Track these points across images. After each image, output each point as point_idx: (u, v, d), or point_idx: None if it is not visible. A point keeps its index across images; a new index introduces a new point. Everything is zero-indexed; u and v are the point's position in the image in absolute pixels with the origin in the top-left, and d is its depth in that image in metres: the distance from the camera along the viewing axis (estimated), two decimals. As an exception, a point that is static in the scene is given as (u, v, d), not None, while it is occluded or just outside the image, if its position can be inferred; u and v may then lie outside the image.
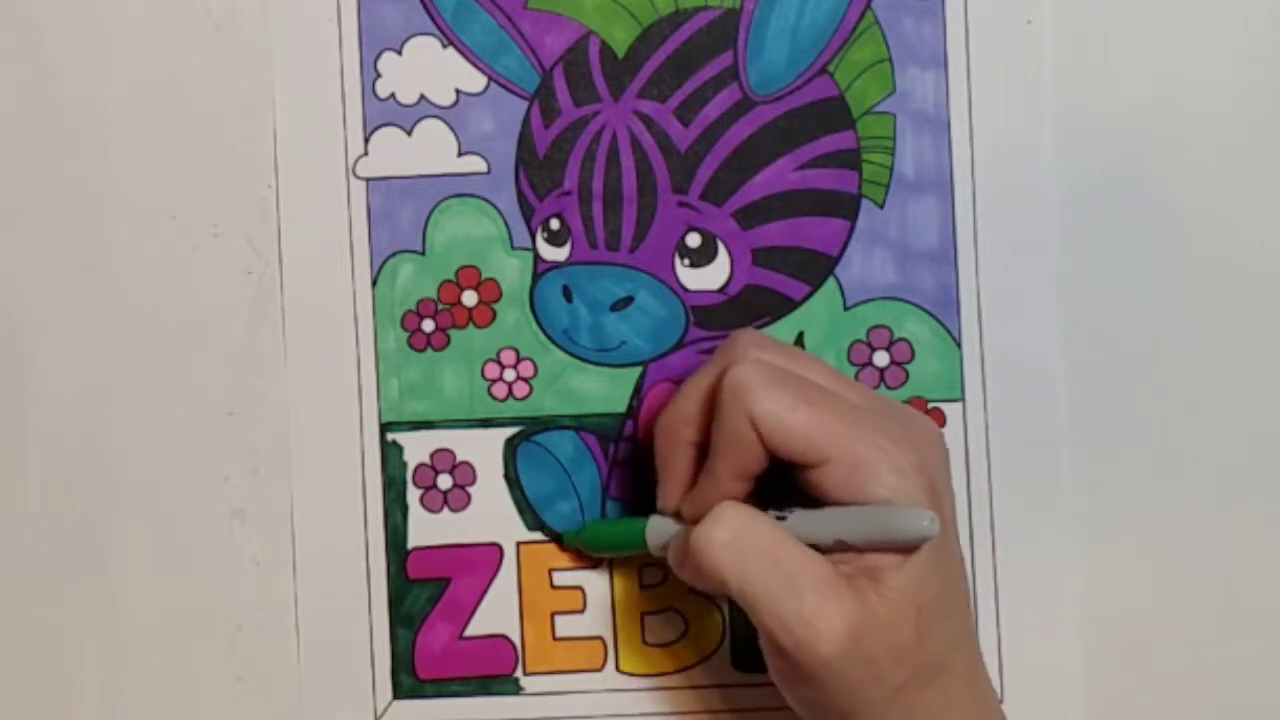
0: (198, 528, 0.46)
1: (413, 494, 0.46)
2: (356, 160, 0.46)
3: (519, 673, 0.46)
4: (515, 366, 0.46)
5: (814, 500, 0.38)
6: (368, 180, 0.46)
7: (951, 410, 0.46)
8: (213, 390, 0.46)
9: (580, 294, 0.46)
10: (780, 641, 0.37)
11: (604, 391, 0.46)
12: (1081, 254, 0.45)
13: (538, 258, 0.46)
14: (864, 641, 0.36)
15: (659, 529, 0.42)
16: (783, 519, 0.38)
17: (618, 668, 0.46)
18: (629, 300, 0.46)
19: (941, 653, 0.38)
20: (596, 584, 0.46)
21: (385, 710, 0.46)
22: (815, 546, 0.38)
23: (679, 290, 0.46)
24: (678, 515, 0.41)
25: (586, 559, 0.46)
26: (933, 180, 0.45)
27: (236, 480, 0.46)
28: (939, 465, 0.39)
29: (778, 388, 0.38)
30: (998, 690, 0.45)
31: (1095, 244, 0.45)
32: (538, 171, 0.46)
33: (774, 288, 0.46)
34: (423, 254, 0.46)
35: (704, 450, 0.40)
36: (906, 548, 0.37)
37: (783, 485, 0.39)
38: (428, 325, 0.46)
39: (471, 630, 0.46)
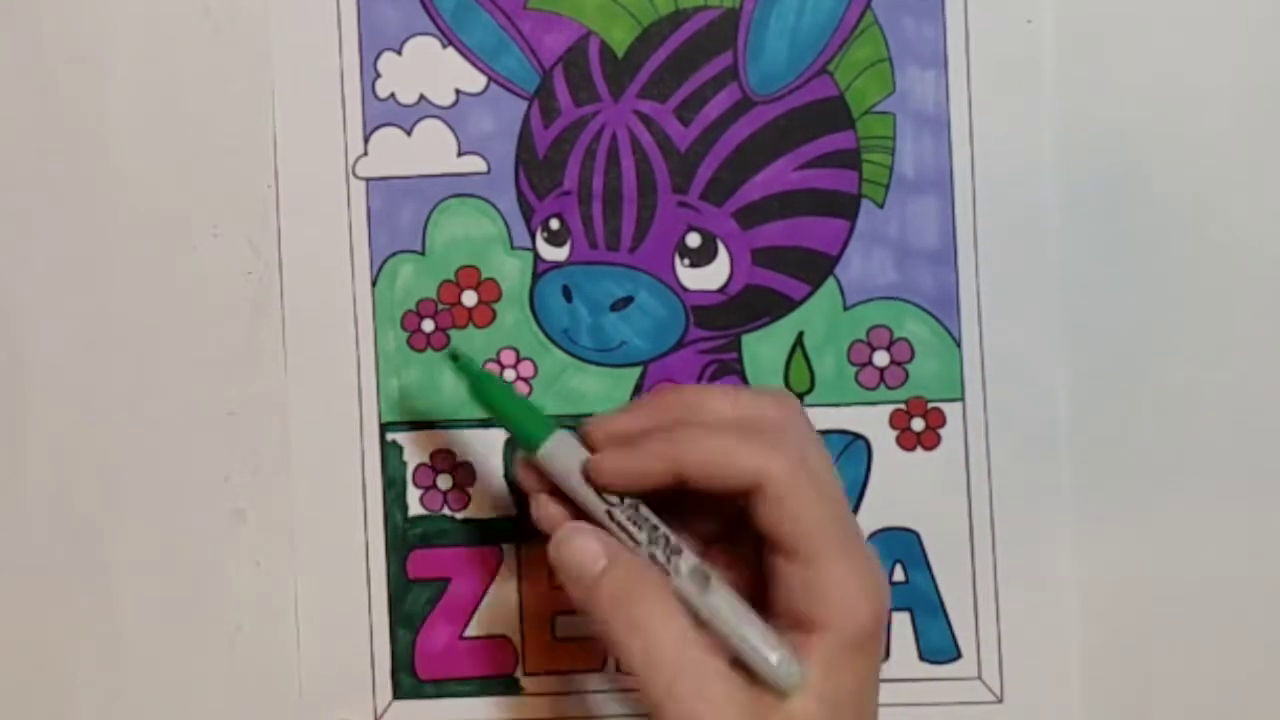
0: (198, 528, 0.46)
1: (413, 494, 0.46)
2: (356, 160, 0.46)
3: (519, 673, 0.46)
4: (515, 366, 0.46)
5: (699, 530, 0.39)
6: (368, 180, 0.46)
7: (951, 410, 0.46)
8: (213, 390, 0.46)
9: (580, 294, 0.46)
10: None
11: (604, 391, 0.46)
12: (1081, 254, 0.45)
13: (538, 258, 0.46)
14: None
15: (562, 447, 0.39)
16: (667, 572, 0.37)
17: (618, 668, 0.46)
18: (629, 300, 0.46)
19: None
20: (596, 584, 0.46)
21: (385, 710, 0.46)
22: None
23: (679, 290, 0.46)
24: (593, 451, 0.39)
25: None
26: (933, 180, 0.45)
27: (236, 480, 0.46)
28: (887, 612, 0.38)
29: (805, 471, 0.37)
30: (998, 690, 0.45)
31: (1095, 244, 0.45)
32: (538, 171, 0.46)
33: (774, 287, 0.46)
34: (423, 254, 0.46)
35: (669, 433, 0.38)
36: (769, 686, 0.36)
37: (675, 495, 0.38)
38: (428, 325, 0.46)
39: (471, 630, 0.46)
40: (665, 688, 0.36)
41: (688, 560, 0.38)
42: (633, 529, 0.38)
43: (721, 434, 0.37)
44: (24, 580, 0.47)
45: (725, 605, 0.37)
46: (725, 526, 0.39)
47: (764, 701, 0.36)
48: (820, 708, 0.36)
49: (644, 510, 0.39)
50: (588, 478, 0.39)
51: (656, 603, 0.37)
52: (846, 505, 0.38)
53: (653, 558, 0.38)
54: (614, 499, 0.39)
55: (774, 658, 0.36)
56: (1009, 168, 0.45)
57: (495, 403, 0.41)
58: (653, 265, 0.46)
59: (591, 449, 0.39)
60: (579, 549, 0.38)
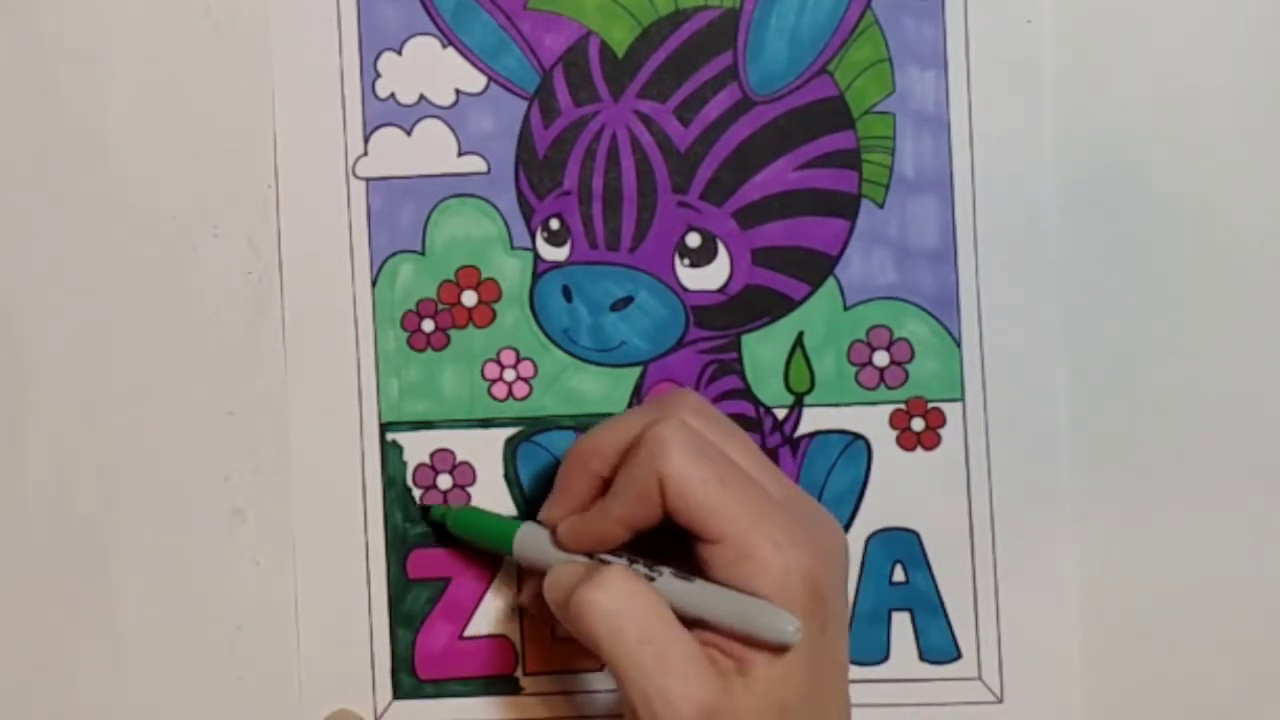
0: (198, 528, 0.46)
1: (413, 494, 0.46)
2: (356, 160, 0.46)
3: (519, 673, 0.46)
4: (515, 366, 0.46)
5: (689, 564, 0.39)
6: (368, 180, 0.46)
7: (951, 410, 0.46)
8: (213, 390, 0.46)
9: (580, 294, 0.46)
10: (640, 715, 0.37)
11: (604, 392, 0.46)
12: (1081, 254, 0.45)
13: (538, 258, 0.46)
14: None
15: (529, 537, 0.42)
16: (652, 578, 0.39)
17: (618, 668, 0.46)
18: (629, 300, 0.46)
19: None
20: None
21: (385, 710, 0.46)
22: (676, 613, 0.38)
23: (679, 290, 0.46)
24: (553, 532, 0.42)
25: (446, 538, 0.46)
26: (933, 180, 0.45)
27: (236, 480, 0.46)
28: (832, 575, 0.39)
29: (695, 457, 0.38)
30: (998, 690, 0.45)
31: (1095, 244, 0.45)
32: (538, 171, 0.46)
33: (774, 287, 0.46)
34: (423, 254, 0.46)
35: (606, 485, 0.40)
36: (769, 646, 0.37)
37: (666, 536, 0.39)
38: (428, 325, 0.46)
39: (471, 630, 0.46)
40: (633, 659, 0.37)
41: (668, 569, 0.39)
42: (613, 559, 0.40)
43: (624, 466, 0.39)
44: (24, 580, 0.47)
45: (709, 590, 0.38)
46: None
47: (728, 672, 0.37)
48: (776, 675, 0.37)
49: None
50: (559, 547, 0.41)
51: (627, 581, 0.38)
52: (761, 477, 0.39)
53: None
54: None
55: (770, 615, 0.37)
56: (1009, 168, 0.45)
57: (460, 530, 0.45)
58: (653, 265, 0.46)
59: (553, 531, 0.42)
60: (563, 572, 0.40)
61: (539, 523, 0.43)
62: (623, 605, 0.37)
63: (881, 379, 0.46)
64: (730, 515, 0.38)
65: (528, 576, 0.45)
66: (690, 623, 0.38)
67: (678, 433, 0.38)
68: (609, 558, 0.40)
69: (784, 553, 0.37)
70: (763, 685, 0.37)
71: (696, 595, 0.38)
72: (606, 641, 0.37)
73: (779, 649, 0.37)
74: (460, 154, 0.46)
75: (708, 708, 0.36)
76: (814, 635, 0.37)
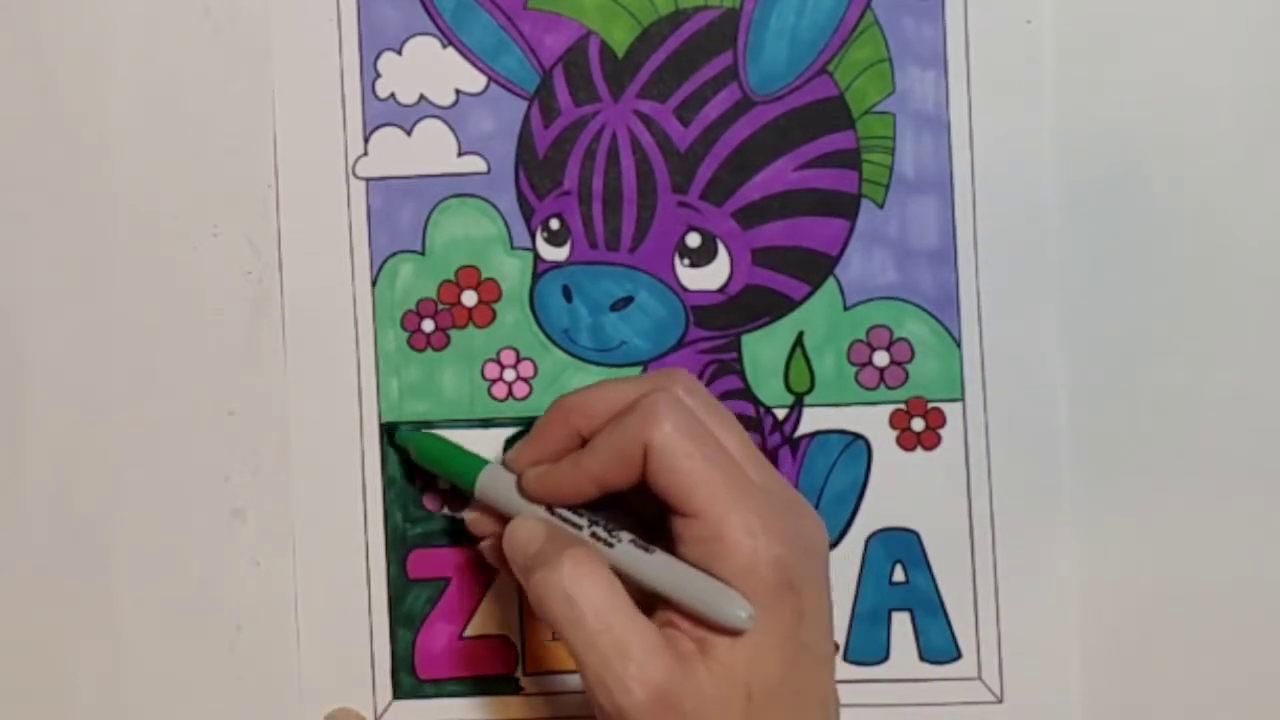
0: (198, 528, 0.46)
1: (413, 494, 0.46)
2: (356, 160, 0.46)
3: (519, 673, 0.46)
4: (515, 366, 0.46)
5: (654, 533, 0.39)
6: (368, 180, 0.46)
7: (951, 410, 0.46)
8: (213, 390, 0.46)
9: (580, 294, 0.46)
10: (598, 700, 0.37)
11: (604, 391, 0.46)
12: (1081, 254, 0.45)
13: (538, 258, 0.46)
14: (680, 707, 0.36)
15: (493, 478, 0.42)
16: (610, 544, 0.39)
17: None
18: (629, 300, 0.46)
19: None
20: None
21: (385, 710, 0.46)
22: (632, 582, 0.38)
23: (679, 290, 0.46)
24: (520, 478, 0.41)
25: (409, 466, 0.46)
26: (933, 180, 0.45)
27: (236, 480, 0.46)
28: (807, 567, 0.38)
29: (685, 431, 0.38)
30: (998, 690, 0.45)
31: (1095, 244, 0.45)
32: (538, 171, 0.46)
33: (774, 287, 0.46)
34: (423, 254, 0.46)
35: (582, 444, 0.40)
36: (723, 629, 0.37)
37: (634, 501, 0.39)
38: (428, 325, 0.46)
39: (471, 630, 0.46)
40: (589, 644, 0.37)
41: (628, 535, 0.39)
42: (573, 518, 0.40)
43: (610, 426, 0.39)
44: (24, 580, 0.47)
45: (668, 564, 0.38)
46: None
47: (687, 654, 0.37)
48: (740, 659, 0.37)
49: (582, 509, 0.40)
50: (524, 494, 0.41)
51: (585, 565, 0.38)
52: (746, 462, 0.39)
53: (595, 536, 0.39)
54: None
55: (723, 598, 0.36)
56: (1009, 168, 0.45)
57: (423, 457, 0.45)
58: (653, 265, 0.46)
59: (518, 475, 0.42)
60: (522, 529, 0.40)
61: (505, 465, 0.42)
62: (580, 591, 0.37)
63: (881, 379, 0.46)
64: (709, 494, 0.38)
65: (484, 519, 0.43)
66: (648, 594, 0.38)
67: (672, 404, 0.39)
68: (569, 514, 0.40)
69: (755, 539, 0.37)
70: (724, 668, 0.37)
71: (654, 567, 0.38)
72: (564, 626, 0.37)
73: (732, 633, 0.37)
74: (460, 154, 0.46)
75: (661, 689, 0.36)
76: (785, 623, 0.37)
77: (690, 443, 0.38)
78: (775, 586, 0.37)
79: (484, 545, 0.44)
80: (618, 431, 0.39)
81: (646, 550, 0.38)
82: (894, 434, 0.46)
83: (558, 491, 0.40)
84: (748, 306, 0.46)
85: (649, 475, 0.38)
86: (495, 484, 0.42)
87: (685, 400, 0.39)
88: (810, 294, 0.46)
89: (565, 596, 0.37)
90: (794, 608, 0.37)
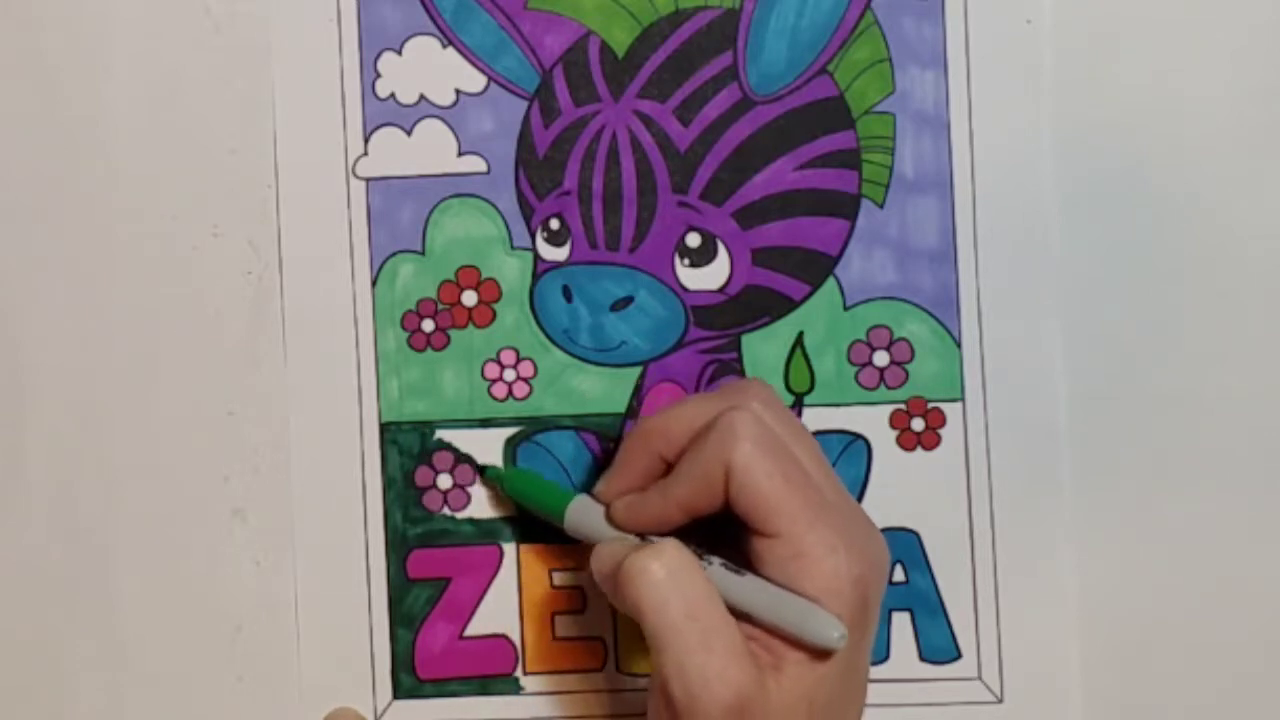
0: (198, 528, 0.46)
1: (412, 494, 0.46)
2: (356, 160, 0.46)
3: (519, 672, 0.46)
4: (515, 366, 0.46)
5: (740, 556, 0.39)
6: (368, 180, 0.46)
7: (951, 410, 0.46)
8: (213, 390, 0.46)
9: (580, 294, 0.46)
10: (673, 691, 0.37)
11: (604, 391, 0.46)
12: (1081, 254, 0.45)
13: (538, 258, 0.46)
14: (750, 715, 0.36)
15: (582, 510, 0.42)
16: (703, 565, 0.39)
17: (618, 668, 0.46)
18: (629, 300, 0.46)
19: None
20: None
21: (385, 710, 0.46)
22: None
23: (679, 290, 0.46)
24: (608, 508, 0.42)
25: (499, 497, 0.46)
26: (933, 180, 0.45)
27: (236, 480, 0.46)
28: (878, 585, 0.39)
29: (765, 450, 0.38)
30: (998, 690, 0.45)
31: (1095, 244, 0.45)
32: (538, 171, 0.46)
33: (774, 288, 0.46)
34: (422, 254, 0.46)
35: (668, 468, 0.41)
36: (810, 649, 0.37)
37: (716, 529, 0.39)
38: (427, 325, 0.46)
39: (471, 630, 0.46)
40: (676, 631, 0.37)
41: (719, 559, 0.39)
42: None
43: (691, 450, 0.39)
44: (24, 580, 0.47)
45: (759, 585, 0.38)
46: None
47: (765, 665, 0.37)
48: (810, 678, 0.37)
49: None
50: (613, 524, 0.41)
51: (685, 556, 0.38)
52: (821, 479, 0.39)
53: None
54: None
55: (818, 619, 0.37)
56: (1009, 168, 0.45)
57: (514, 492, 0.45)
58: (653, 265, 0.46)
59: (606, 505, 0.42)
60: (606, 549, 0.41)
61: (594, 497, 0.42)
62: (674, 577, 0.37)
63: (881, 379, 0.46)
64: (789, 512, 0.37)
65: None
66: (734, 616, 0.38)
67: (750, 423, 0.38)
68: (658, 540, 0.40)
69: (837, 557, 0.37)
70: (794, 685, 0.37)
71: (746, 589, 0.38)
72: (652, 611, 0.37)
73: (821, 653, 0.37)
74: (460, 154, 0.46)
75: (743, 696, 0.36)
76: (852, 645, 0.37)
77: (769, 462, 0.38)
78: (854, 606, 0.37)
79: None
80: (699, 455, 0.39)
81: (738, 573, 0.38)
82: (894, 434, 0.46)
83: (646, 520, 0.40)
84: (748, 306, 0.46)
85: (731, 496, 0.38)
86: (585, 516, 0.42)
87: (763, 415, 0.39)
88: (810, 294, 0.46)
89: (658, 580, 0.37)
90: (863, 628, 0.38)
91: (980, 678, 0.46)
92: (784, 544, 0.38)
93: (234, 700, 0.46)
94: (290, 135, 0.46)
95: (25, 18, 0.46)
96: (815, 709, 0.37)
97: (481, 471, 0.46)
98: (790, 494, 0.38)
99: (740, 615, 0.38)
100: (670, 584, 0.37)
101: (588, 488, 0.44)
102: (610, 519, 0.42)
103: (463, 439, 0.46)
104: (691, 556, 0.38)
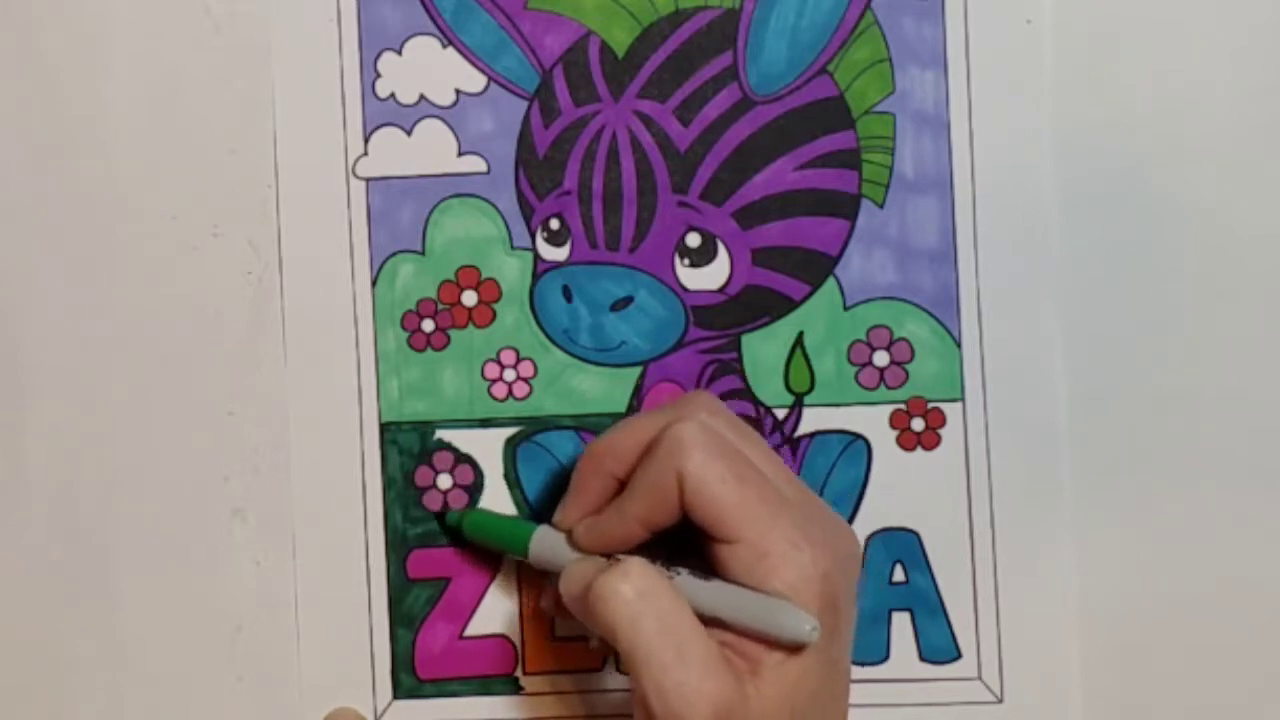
0: (198, 528, 0.46)
1: (412, 494, 0.46)
2: (356, 160, 0.46)
3: (519, 672, 0.46)
4: (515, 366, 0.46)
5: (706, 565, 0.39)
6: (368, 180, 0.46)
7: (951, 410, 0.46)
8: (213, 390, 0.46)
9: (580, 294, 0.46)
10: (652, 707, 0.37)
11: (604, 391, 0.46)
12: (1081, 254, 0.45)
13: (538, 258, 0.46)
14: None
15: (545, 540, 0.42)
16: (670, 577, 0.39)
17: (617, 668, 0.46)
18: (629, 300, 0.46)
19: None
20: (596, 584, 0.46)
21: (385, 710, 0.46)
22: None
23: (679, 290, 0.46)
24: (569, 534, 0.42)
25: (461, 543, 0.46)
26: (933, 180, 0.45)
27: (236, 480, 0.46)
28: (846, 579, 0.39)
29: (715, 456, 0.38)
30: (998, 690, 0.45)
31: (1095, 244, 0.45)
32: (538, 171, 0.46)
33: (774, 287, 0.46)
34: (422, 254, 0.46)
35: (622, 486, 0.41)
36: (784, 646, 0.37)
37: (679, 539, 0.39)
38: (428, 325, 0.46)
39: (471, 630, 0.46)
40: (651, 650, 0.37)
41: (685, 569, 0.39)
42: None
43: (642, 464, 0.39)
44: (24, 580, 0.47)
45: (726, 589, 0.38)
46: None
47: (742, 673, 0.37)
48: (788, 678, 0.37)
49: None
50: (576, 548, 0.41)
51: (652, 574, 0.38)
52: (777, 479, 0.39)
53: None
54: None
55: (786, 614, 0.37)
56: (1009, 168, 0.45)
57: (475, 535, 0.45)
58: (653, 265, 0.46)
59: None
60: (576, 568, 0.40)
61: (554, 526, 0.43)
62: (644, 596, 0.37)
63: (881, 379, 0.46)
64: (748, 515, 0.38)
65: (545, 583, 0.45)
66: (706, 623, 0.38)
67: (698, 432, 0.38)
68: (624, 559, 0.40)
69: (801, 553, 0.37)
70: (774, 688, 0.37)
71: (714, 594, 0.38)
72: (625, 631, 0.37)
73: (795, 649, 0.37)
74: (460, 154, 0.46)
75: (722, 708, 0.36)
76: (826, 639, 0.37)
77: (721, 467, 0.38)
78: (822, 600, 0.37)
79: (544, 603, 0.45)
80: (650, 469, 0.39)
81: (705, 579, 0.38)
82: (894, 434, 0.46)
83: (608, 540, 0.40)
84: (748, 306, 0.46)
85: (687, 506, 0.38)
86: (548, 546, 0.42)
87: (710, 423, 0.39)
88: (810, 294, 0.46)
89: (627, 600, 0.37)
90: (833, 623, 0.38)
91: (980, 678, 0.46)
92: (746, 547, 0.38)
93: (234, 700, 0.46)
94: (290, 135, 0.46)
95: (25, 18, 0.46)
96: (797, 710, 0.37)
97: (441, 519, 0.46)
98: (745, 496, 0.38)
99: (712, 622, 0.38)
100: (640, 603, 0.37)
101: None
102: (573, 544, 0.41)
103: (463, 439, 0.46)
104: (658, 573, 0.38)
